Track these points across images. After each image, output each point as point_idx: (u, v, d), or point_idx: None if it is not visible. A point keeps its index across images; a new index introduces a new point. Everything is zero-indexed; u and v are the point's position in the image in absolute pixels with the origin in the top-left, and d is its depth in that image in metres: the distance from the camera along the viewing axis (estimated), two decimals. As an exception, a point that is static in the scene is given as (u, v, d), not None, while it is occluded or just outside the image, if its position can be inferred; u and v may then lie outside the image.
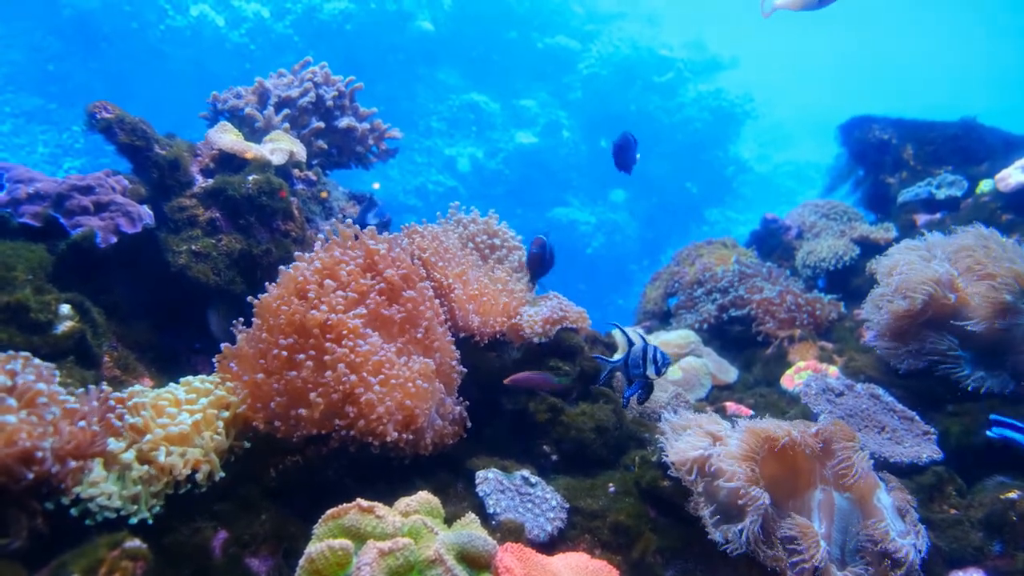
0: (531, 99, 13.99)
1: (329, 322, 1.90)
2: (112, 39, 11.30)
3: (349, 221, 2.32)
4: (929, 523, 2.05)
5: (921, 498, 2.18)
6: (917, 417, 2.55)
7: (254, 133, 3.10)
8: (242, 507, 1.78)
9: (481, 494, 1.93)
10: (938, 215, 3.90)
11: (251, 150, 2.73)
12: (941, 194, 3.91)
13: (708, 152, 14.44)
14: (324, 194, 3.13)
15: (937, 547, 2.03)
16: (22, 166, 2.36)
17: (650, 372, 1.99)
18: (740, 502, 1.75)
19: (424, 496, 1.63)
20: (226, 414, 1.86)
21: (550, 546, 1.87)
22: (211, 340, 2.46)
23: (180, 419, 1.77)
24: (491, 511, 1.89)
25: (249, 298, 2.05)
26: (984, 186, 3.72)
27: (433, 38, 12.93)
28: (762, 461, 1.84)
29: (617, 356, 2.38)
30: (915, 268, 2.65)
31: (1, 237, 2.14)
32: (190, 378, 1.98)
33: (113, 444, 1.62)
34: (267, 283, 2.05)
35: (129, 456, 1.63)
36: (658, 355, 1.98)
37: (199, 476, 1.71)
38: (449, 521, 1.64)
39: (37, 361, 1.60)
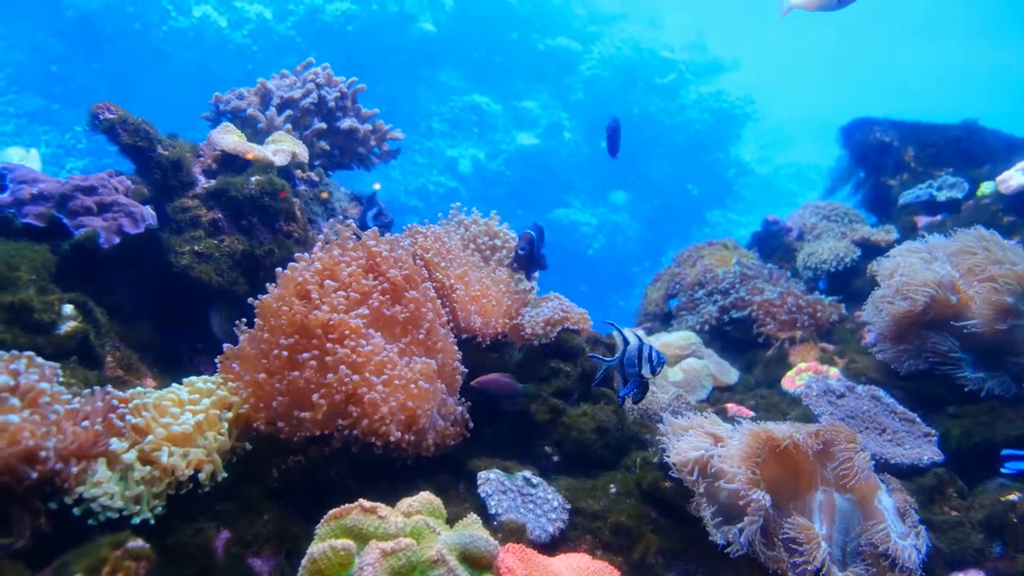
0: (532, 100, 13.99)
1: (331, 322, 1.90)
2: (115, 40, 11.33)
3: (349, 222, 2.32)
4: (930, 524, 2.05)
5: (922, 500, 2.17)
6: (918, 419, 2.56)
7: (256, 134, 3.10)
8: (244, 507, 1.79)
9: (483, 495, 1.94)
10: (939, 217, 3.89)
11: (253, 151, 2.74)
12: (942, 196, 3.91)
13: (709, 154, 14.43)
14: (325, 195, 3.13)
15: (938, 548, 2.03)
16: (26, 167, 2.37)
17: (645, 371, 1.99)
18: (741, 503, 1.76)
19: (426, 496, 1.63)
20: (229, 414, 1.86)
21: (551, 547, 1.88)
22: (213, 341, 2.46)
23: (183, 419, 1.78)
24: (493, 512, 1.89)
25: (250, 299, 2.06)
26: (985, 188, 3.72)
27: (435, 39, 12.94)
28: (763, 462, 1.85)
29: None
30: (916, 270, 2.65)
31: (5, 237, 2.15)
32: (193, 378, 1.98)
33: (115, 444, 1.62)
34: (269, 284, 2.06)
35: (131, 456, 1.64)
36: (653, 354, 1.97)
37: (202, 476, 1.71)
38: (451, 522, 1.64)
39: (40, 361, 1.61)
